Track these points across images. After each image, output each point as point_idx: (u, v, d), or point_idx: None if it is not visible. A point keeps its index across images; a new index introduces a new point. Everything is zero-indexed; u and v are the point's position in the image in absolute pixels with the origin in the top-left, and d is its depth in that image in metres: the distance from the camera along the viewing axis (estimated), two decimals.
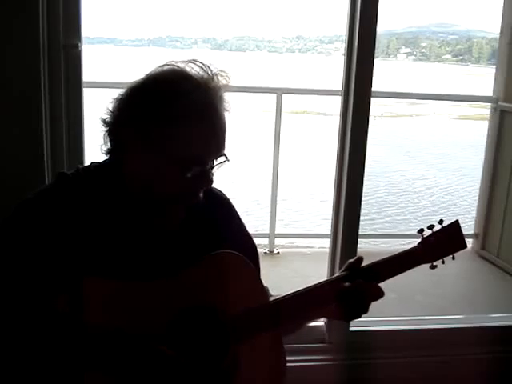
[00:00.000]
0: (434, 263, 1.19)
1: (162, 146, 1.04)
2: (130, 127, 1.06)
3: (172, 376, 1.00)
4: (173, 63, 1.10)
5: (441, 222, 1.19)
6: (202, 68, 1.09)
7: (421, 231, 1.19)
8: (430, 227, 1.19)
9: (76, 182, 1.11)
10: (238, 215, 1.29)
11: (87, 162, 1.86)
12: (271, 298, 1.24)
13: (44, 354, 0.98)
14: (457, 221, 1.21)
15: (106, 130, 1.10)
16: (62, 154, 1.81)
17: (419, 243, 1.19)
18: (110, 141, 1.11)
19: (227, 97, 1.11)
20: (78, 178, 1.12)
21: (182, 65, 1.10)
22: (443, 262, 1.20)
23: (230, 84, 1.11)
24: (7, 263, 1.03)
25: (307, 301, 1.13)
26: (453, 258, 1.20)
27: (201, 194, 1.10)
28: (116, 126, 1.08)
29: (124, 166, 1.10)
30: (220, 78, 1.10)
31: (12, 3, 1.66)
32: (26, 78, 1.70)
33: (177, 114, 1.04)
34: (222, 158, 1.10)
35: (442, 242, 1.18)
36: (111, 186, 1.10)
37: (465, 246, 1.21)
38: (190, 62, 1.10)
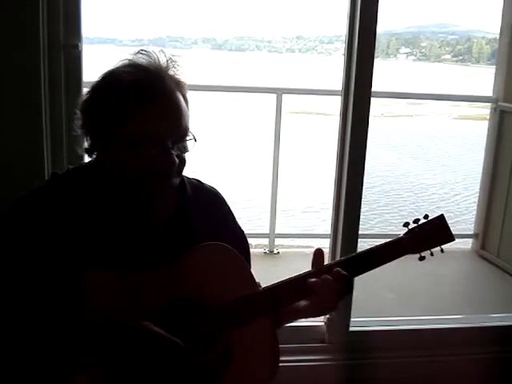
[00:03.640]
0: (422, 254, 1.21)
1: (116, 133, 1.09)
2: (89, 121, 1.12)
3: (163, 358, 1.01)
4: (126, 57, 1.15)
5: (426, 216, 1.22)
6: (149, 55, 1.14)
7: (406, 224, 1.21)
8: (416, 221, 1.21)
9: (67, 180, 1.16)
10: (230, 209, 1.31)
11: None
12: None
13: (42, 347, 0.99)
14: (442, 214, 1.23)
15: (79, 131, 1.15)
16: (61, 154, 1.81)
17: (405, 233, 1.21)
18: (86, 139, 1.16)
19: (183, 81, 1.15)
20: (68, 176, 1.18)
21: (132, 56, 1.15)
22: (432, 254, 1.22)
23: (182, 67, 1.15)
24: (2, 259, 1.05)
25: (295, 289, 1.14)
26: (441, 251, 1.22)
27: (174, 179, 1.13)
28: (81, 123, 1.14)
29: (101, 159, 1.15)
30: (173, 64, 1.15)
31: (12, 3, 1.66)
32: (26, 78, 1.70)
33: (121, 98, 1.08)
34: (187, 138, 1.13)
35: (427, 233, 1.20)
36: (98, 180, 1.15)
37: (452, 239, 1.22)
38: (139, 52, 1.15)
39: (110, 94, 1.10)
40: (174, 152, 1.10)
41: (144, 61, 1.13)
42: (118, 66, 1.14)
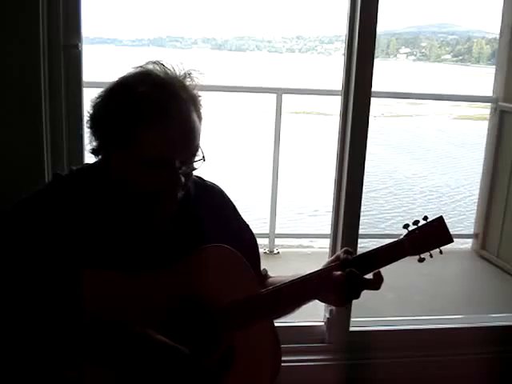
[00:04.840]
0: (422, 256, 1.22)
1: (127, 147, 1.06)
2: (101, 128, 1.09)
3: (166, 365, 1.01)
4: (143, 65, 1.12)
5: (425, 218, 1.23)
6: (168, 69, 1.11)
7: (406, 226, 1.22)
8: (415, 223, 1.22)
9: (70, 181, 1.15)
10: (233, 205, 1.31)
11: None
12: (269, 280, 1.29)
13: (45, 349, 0.99)
14: (441, 216, 1.24)
15: (88, 130, 1.13)
16: (62, 154, 1.81)
17: (405, 236, 1.22)
18: (93, 140, 1.13)
19: (199, 96, 1.11)
20: (71, 177, 1.16)
21: (150, 66, 1.11)
22: (431, 256, 1.23)
23: (200, 83, 1.11)
24: (6, 260, 1.05)
25: (299, 291, 1.15)
26: (440, 252, 1.23)
27: (179, 194, 1.10)
28: (92, 127, 1.11)
29: (107, 163, 1.13)
30: (189, 78, 1.11)
31: (12, 3, 1.66)
32: (26, 78, 1.70)
33: (137, 115, 1.05)
34: (196, 159, 1.10)
35: (426, 235, 1.21)
36: (102, 182, 1.13)
37: (451, 240, 1.23)
38: (157, 63, 1.11)
39: (125, 108, 1.06)
40: (181, 172, 1.08)
41: (161, 75, 1.09)
42: (134, 75, 1.10)
